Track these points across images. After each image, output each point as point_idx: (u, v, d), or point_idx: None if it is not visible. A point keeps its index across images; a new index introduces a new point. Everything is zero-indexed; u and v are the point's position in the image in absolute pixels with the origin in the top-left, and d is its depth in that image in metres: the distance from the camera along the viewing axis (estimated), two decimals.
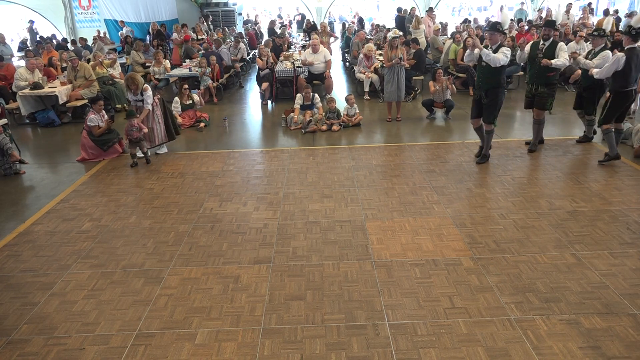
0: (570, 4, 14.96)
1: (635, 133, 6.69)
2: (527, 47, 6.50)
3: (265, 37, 16.67)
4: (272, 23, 17.48)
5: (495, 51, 5.92)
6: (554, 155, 6.55)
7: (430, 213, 5.04)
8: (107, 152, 7.11)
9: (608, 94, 6.30)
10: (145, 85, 6.92)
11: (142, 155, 6.88)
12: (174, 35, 13.88)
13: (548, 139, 7.15)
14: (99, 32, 15.79)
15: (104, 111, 7.34)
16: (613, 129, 6.07)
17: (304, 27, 16.99)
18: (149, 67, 11.69)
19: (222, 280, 3.97)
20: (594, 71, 6.15)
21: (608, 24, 7.25)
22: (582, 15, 15.11)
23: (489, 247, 4.34)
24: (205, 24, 16.73)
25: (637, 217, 4.78)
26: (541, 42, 6.24)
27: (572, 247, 4.28)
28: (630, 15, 14.37)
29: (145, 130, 6.81)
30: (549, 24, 6.30)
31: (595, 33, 6.53)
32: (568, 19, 14.17)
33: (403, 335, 3.26)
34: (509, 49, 5.88)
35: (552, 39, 6.18)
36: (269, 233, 4.74)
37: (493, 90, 5.92)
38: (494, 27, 6.03)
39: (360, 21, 18.38)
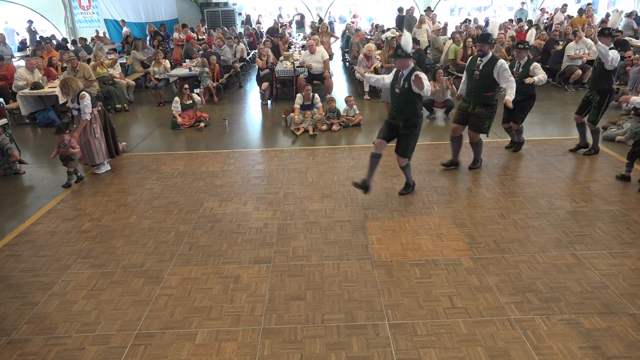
0: (566, 5, 14.92)
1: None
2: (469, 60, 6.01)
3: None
4: (275, 23, 17.49)
5: (484, 65, 5.55)
6: (554, 155, 6.55)
7: (430, 213, 5.04)
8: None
9: (599, 97, 6.15)
10: (83, 92, 6.08)
11: (72, 174, 6.09)
12: (175, 35, 13.88)
13: (548, 139, 7.15)
14: (97, 32, 15.78)
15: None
16: (600, 127, 6.35)
17: (306, 26, 17.01)
18: (148, 66, 11.71)
19: (222, 280, 3.97)
20: (608, 62, 5.89)
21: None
22: (585, 15, 15.10)
23: (489, 247, 4.34)
24: (204, 26, 16.71)
25: (637, 217, 4.78)
26: (478, 58, 5.69)
27: (572, 247, 4.28)
28: (630, 15, 14.38)
29: (76, 150, 6.04)
30: (483, 38, 5.66)
31: (520, 46, 6.29)
32: (565, 18, 14.17)
33: (403, 335, 3.26)
34: (424, 74, 4.98)
35: (490, 54, 5.62)
36: (269, 233, 4.74)
37: (412, 121, 5.08)
38: (485, 39, 5.63)
39: (330, 24, 18.44)
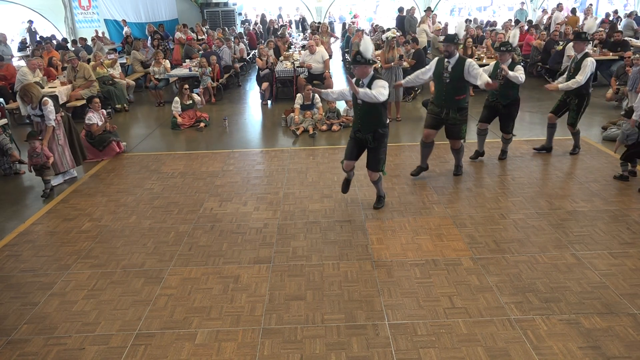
0: (561, 3, 14.91)
1: None
2: (433, 63, 5.61)
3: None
4: (272, 22, 17.48)
5: (458, 66, 5.30)
6: (554, 155, 6.55)
7: (430, 213, 5.04)
8: (104, 151, 7.10)
9: (577, 100, 6.12)
10: (45, 99, 5.87)
11: (49, 182, 5.90)
12: (177, 35, 13.89)
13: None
14: (97, 32, 15.77)
15: (102, 110, 7.34)
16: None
17: (307, 27, 17.02)
18: (149, 65, 11.71)
19: (222, 280, 3.97)
20: (578, 80, 5.87)
21: (591, 26, 6.76)
22: (584, 16, 15.13)
23: (489, 247, 4.34)
24: (205, 26, 16.67)
25: (637, 217, 4.78)
26: (445, 60, 5.41)
27: (572, 247, 4.28)
28: (630, 15, 14.39)
29: (51, 157, 5.84)
30: (448, 39, 5.38)
31: (502, 48, 5.92)
32: (565, 18, 14.17)
33: (403, 335, 3.26)
34: (386, 82, 4.64)
35: (457, 55, 5.37)
36: (269, 233, 4.74)
37: (380, 132, 4.75)
38: (450, 39, 5.35)
39: (302, 21, 18.50)
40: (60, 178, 6.21)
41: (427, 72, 5.69)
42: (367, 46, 4.58)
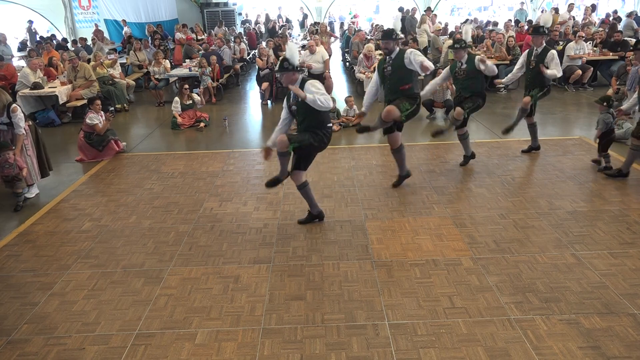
0: (556, 7, 14.98)
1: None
2: (376, 67, 5.41)
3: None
4: (272, 23, 17.48)
5: (394, 66, 5.04)
6: (554, 155, 6.55)
7: (430, 213, 5.04)
8: (103, 152, 7.10)
9: (539, 89, 6.12)
10: (14, 105, 5.51)
11: (21, 195, 5.55)
12: (178, 35, 13.89)
13: (548, 139, 7.14)
14: (96, 25, 15.73)
15: (102, 112, 7.34)
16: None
17: (306, 27, 17.01)
18: (143, 67, 11.76)
19: (222, 280, 3.97)
20: (554, 72, 5.92)
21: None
22: (584, 15, 15.14)
23: (489, 247, 4.34)
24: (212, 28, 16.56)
25: (637, 217, 4.78)
26: (386, 57, 5.16)
27: (572, 247, 4.28)
28: (630, 15, 14.39)
29: (24, 168, 5.54)
30: (386, 35, 5.06)
31: (457, 45, 5.77)
32: (569, 18, 14.18)
33: (403, 335, 3.26)
34: (317, 81, 4.46)
35: (397, 49, 5.08)
36: (269, 233, 4.73)
37: (314, 134, 4.44)
38: (389, 35, 5.04)
39: (305, 19, 18.47)
40: (35, 189, 5.88)
41: (373, 81, 5.41)
42: (292, 52, 4.41)
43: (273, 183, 4.72)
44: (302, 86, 4.34)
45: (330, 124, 4.59)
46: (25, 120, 5.66)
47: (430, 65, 4.78)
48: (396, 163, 5.73)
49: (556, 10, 16.00)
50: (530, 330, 3.27)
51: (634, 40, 12.24)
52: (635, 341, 3.13)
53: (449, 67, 6.04)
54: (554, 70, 5.98)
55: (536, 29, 6.11)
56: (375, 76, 5.39)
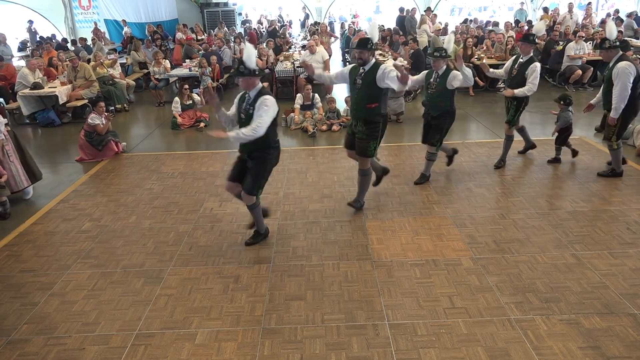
0: (571, 3, 15.00)
1: (637, 133, 6.70)
2: (347, 70, 4.96)
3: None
4: (273, 23, 17.47)
5: (369, 76, 4.61)
6: (554, 155, 6.54)
7: (430, 213, 5.04)
8: (103, 151, 7.10)
9: (516, 101, 5.87)
10: None
11: (4, 204, 5.32)
12: (179, 35, 13.90)
13: (548, 139, 7.13)
14: (96, 24, 15.72)
15: (105, 112, 7.35)
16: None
17: (307, 27, 17.01)
18: (146, 67, 11.73)
19: (222, 280, 3.97)
20: (526, 89, 5.64)
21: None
22: (585, 15, 15.15)
23: (489, 247, 4.34)
24: (223, 29, 16.53)
25: (637, 217, 4.78)
26: (360, 67, 4.71)
27: (572, 247, 4.28)
28: (630, 15, 14.40)
29: (5, 174, 5.33)
30: (361, 44, 4.63)
31: (436, 54, 5.39)
32: (571, 18, 14.19)
33: (403, 335, 3.26)
34: (272, 101, 4.04)
35: (373, 61, 4.67)
36: (269, 233, 4.73)
37: (259, 152, 4.17)
38: (364, 45, 4.61)
39: (330, 24, 18.42)
40: (30, 190, 5.76)
41: (339, 75, 5.06)
42: (249, 55, 4.01)
43: (255, 239, 4.54)
44: (258, 97, 4.01)
45: (278, 139, 4.30)
46: (5, 125, 5.52)
47: (408, 78, 4.39)
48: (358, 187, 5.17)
49: (545, 9, 16.15)
50: (530, 330, 3.27)
51: (634, 40, 12.27)
52: (635, 341, 3.13)
53: (426, 72, 5.67)
54: (525, 88, 5.67)
55: (526, 37, 5.85)
56: (344, 72, 4.94)
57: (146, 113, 10.07)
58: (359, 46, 4.66)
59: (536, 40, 5.94)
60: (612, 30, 5.55)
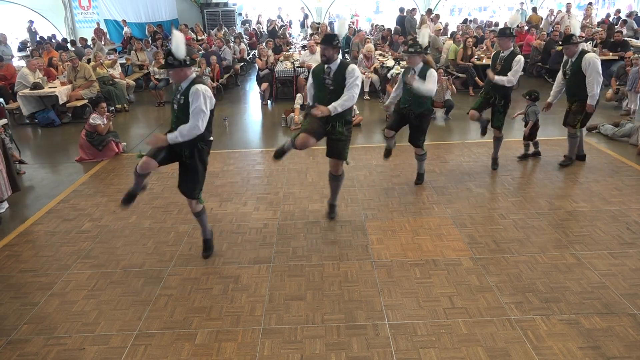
0: (569, 3, 15.01)
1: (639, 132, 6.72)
2: (310, 75, 4.66)
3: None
4: (273, 23, 17.47)
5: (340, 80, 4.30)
6: (554, 155, 6.54)
7: (430, 213, 5.04)
8: (103, 151, 7.10)
9: (503, 101, 5.74)
10: None
11: None
12: None
13: (548, 139, 7.14)
14: (98, 24, 15.72)
15: (107, 113, 7.35)
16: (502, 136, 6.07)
17: (307, 27, 16.99)
18: (144, 68, 11.73)
19: (222, 280, 3.97)
20: (506, 79, 5.51)
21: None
22: (584, 15, 15.16)
23: (489, 247, 4.34)
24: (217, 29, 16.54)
25: (637, 217, 4.78)
26: (325, 66, 4.39)
27: (572, 247, 4.28)
28: (630, 15, 14.40)
29: None
30: (326, 39, 4.34)
31: (411, 50, 5.12)
32: (569, 18, 14.19)
33: (403, 335, 3.26)
34: (205, 88, 3.76)
35: (338, 60, 4.38)
36: (269, 233, 4.73)
37: (195, 153, 3.97)
38: (329, 41, 4.31)
39: (330, 24, 18.40)
40: (5, 204, 5.46)
41: (308, 85, 4.72)
42: (177, 44, 3.70)
43: (208, 249, 4.32)
44: (189, 88, 3.72)
45: (211, 138, 3.98)
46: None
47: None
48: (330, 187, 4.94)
49: (534, 9, 16.25)
50: (530, 330, 3.27)
51: (634, 40, 12.27)
52: (635, 341, 3.13)
53: (402, 73, 5.46)
54: (506, 77, 5.54)
55: (502, 31, 5.73)
56: (310, 80, 4.63)
57: (146, 113, 10.07)
58: (323, 42, 4.34)
59: (513, 32, 5.80)
60: (576, 27, 6.10)
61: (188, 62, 3.75)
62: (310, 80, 4.64)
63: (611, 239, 4.40)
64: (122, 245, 4.61)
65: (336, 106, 4.20)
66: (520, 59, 5.60)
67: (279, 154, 4.66)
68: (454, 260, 4.15)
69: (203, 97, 3.68)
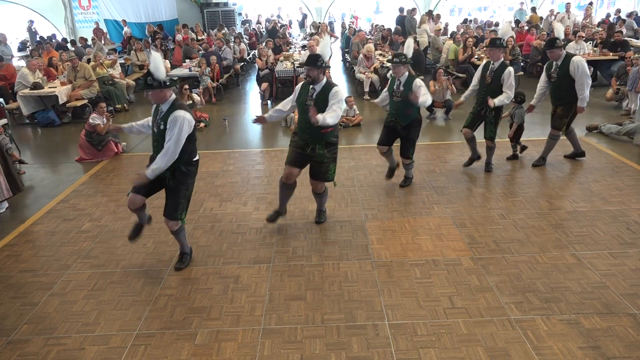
0: (569, 3, 15.02)
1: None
2: (297, 89, 4.52)
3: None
4: (273, 23, 17.49)
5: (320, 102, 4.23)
6: (554, 155, 6.53)
7: (430, 213, 5.04)
8: (102, 151, 7.10)
9: (494, 112, 5.70)
10: None
11: None
12: (179, 37, 13.91)
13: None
14: (97, 24, 15.72)
15: (106, 113, 7.35)
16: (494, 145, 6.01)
17: (307, 26, 16.99)
18: (144, 68, 11.73)
19: (222, 280, 3.97)
20: (505, 97, 5.50)
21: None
22: (584, 15, 15.16)
23: (489, 247, 4.34)
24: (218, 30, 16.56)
25: (637, 217, 4.78)
26: (310, 87, 4.34)
27: (572, 247, 4.28)
28: (630, 15, 14.40)
29: None
30: (310, 61, 4.26)
31: (396, 60, 5.07)
32: (569, 18, 14.20)
33: (403, 335, 3.26)
34: (185, 114, 3.78)
35: (325, 80, 4.32)
36: (269, 233, 4.73)
37: (180, 170, 3.90)
38: (313, 62, 4.23)
39: (330, 24, 18.42)
40: (5, 203, 5.43)
41: (288, 102, 4.65)
42: (157, 65, 3.67)
43: (183, 262, 4.19)
44: (169, 112, 3.71)
45: (197, 157, 4.02)
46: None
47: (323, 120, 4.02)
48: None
49: (533, 9, 16.26)
50: (531, 330, 3.26)
51: (634, 40, 12.27)
52: (635, 341, 3.13)
53: (390, 80, 5.42)
54: (504, 96, 5.51)
55: (493, 42, 5.64)
56: (291, 99, 4.61)
57: (146, 113, 10.03)
58: (307, 63, 4.26)
59: (504, 43, 5.75)
60: (560, 30, 6.23)
61: (168, 84, 3.72)
62: (295, 93, 4.56)
63: (611, 239, 4.40)
64: (122, 245, 4.61)
65: (325, 117, 4.09)
66: (510, 70, 5.54)
67: (273, 218, 4.81)
68: (454, 260, 4.15)
69: (180, 125, 3.68)
